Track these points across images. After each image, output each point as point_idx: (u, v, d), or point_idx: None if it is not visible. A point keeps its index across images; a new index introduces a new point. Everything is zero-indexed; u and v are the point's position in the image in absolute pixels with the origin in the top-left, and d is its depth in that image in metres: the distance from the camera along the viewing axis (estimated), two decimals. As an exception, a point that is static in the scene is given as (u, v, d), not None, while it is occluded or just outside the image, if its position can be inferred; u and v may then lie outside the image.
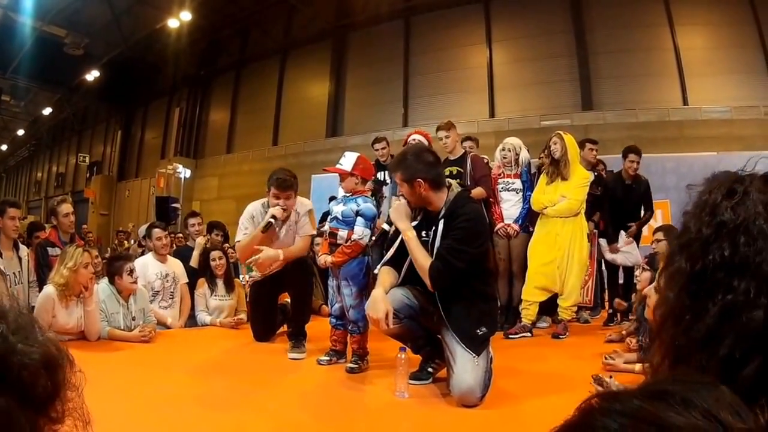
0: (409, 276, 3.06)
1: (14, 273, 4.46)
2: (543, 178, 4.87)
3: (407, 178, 2.98)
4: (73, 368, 0.45)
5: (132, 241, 12.67)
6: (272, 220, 3.79)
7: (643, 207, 5.77)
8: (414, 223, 3.07)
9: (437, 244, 2.93)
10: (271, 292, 4.30)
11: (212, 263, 5.19)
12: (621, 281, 5.75)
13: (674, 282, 0.71)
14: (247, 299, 5.29)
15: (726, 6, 11.40)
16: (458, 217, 2.92)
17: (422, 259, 2.91)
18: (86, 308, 3.99)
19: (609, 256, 5.59)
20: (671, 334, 0.69)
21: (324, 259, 3.60)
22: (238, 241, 4.04)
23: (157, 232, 5.16)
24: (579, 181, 4.74)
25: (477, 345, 2.86)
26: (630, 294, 5.16)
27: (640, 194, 5.70)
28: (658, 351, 0.71)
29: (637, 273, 4.63)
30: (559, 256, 4.66)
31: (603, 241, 5.59)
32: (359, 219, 3.55)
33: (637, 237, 5.70)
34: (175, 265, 5.23)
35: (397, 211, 3.07)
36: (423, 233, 3.03)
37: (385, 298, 2.88)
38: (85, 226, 15.79)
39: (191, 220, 6.12)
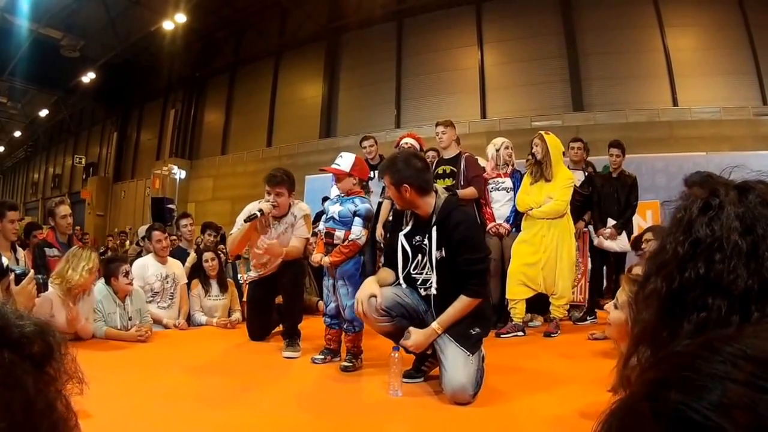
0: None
1: (12, 275, 4.49)
2: (526, 179, 4.85)
3: (395, 182, 3.06)
4: (62, 336, 0.54)
5: (129, 243, 12.70)
6: (258, 213, 3.87)
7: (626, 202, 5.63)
8: (406, 230, 3.13)
9: (434, 251, 2.99)
10: (269, 292, 4.35)
11: (205, 264, 5.23)
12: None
13: (650, 302, 0.71)
14: (242, 299, 5.34)
15: (715, 7, 11.47)
16: (454, 225, 2.97)
17: (463, 304, 2.94)
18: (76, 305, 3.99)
19: (597, 241, 5.49)
20: (648, 353, 0.69)
21: (321, 259, 3.63)
22: (231, 234, 4.18)
23: (156, 234, 5.17)
24: (563, 182, 4.72)
25: (471, 344, 2.90)
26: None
27: (627, 189, 5.60)
28: (635, 369, 0.70)
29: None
30: (544, 258, 4.65)
31: (590, 228, 5.49)
32: (357, 219, 3.59)
33: (628, 232, 5.64)
34: (175, 266, 5.25)
35: (416, 342, 2.99)
36: (416, 237, 3.09)
37: (373, 283, 3.04)
38: (78, 227, 15.73)
39: (183, 221, 6.19)
